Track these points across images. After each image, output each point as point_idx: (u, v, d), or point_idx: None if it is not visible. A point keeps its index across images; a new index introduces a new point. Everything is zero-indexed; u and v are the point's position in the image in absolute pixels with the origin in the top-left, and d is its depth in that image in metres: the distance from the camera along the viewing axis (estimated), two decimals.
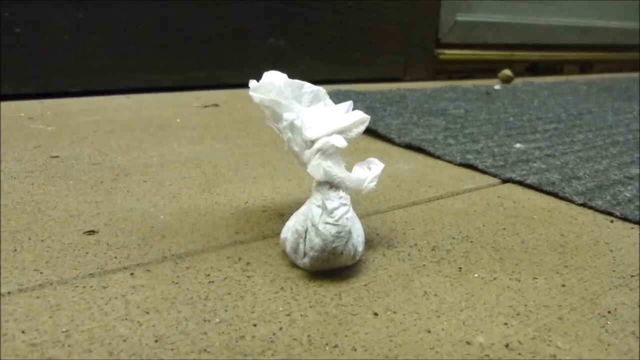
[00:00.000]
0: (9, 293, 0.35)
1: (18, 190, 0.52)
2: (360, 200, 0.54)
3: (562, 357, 0.32)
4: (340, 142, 0.40)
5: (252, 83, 0.43)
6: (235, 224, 0.48)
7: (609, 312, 0.37)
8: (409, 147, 0.77)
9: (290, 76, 0.44)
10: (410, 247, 0.45)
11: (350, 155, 0.44)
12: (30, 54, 0.99)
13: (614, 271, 0.44)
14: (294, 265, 0.40)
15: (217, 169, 0.63)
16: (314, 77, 1.06)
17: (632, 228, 0.53)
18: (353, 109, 0.43)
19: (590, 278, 0.42)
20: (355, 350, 0.31)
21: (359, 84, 1.31)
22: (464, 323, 0.35)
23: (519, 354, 0.32)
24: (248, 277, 0.39)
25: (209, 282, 0.38)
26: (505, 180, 0.65)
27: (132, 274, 0.38)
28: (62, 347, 0.30)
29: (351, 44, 1.39)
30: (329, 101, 0.44)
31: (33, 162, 0.61)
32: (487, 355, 0.32)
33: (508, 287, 0.40)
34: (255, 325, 0.33)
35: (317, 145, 0.40)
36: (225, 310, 0.34)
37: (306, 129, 0.41)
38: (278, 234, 0.44)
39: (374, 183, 0.42)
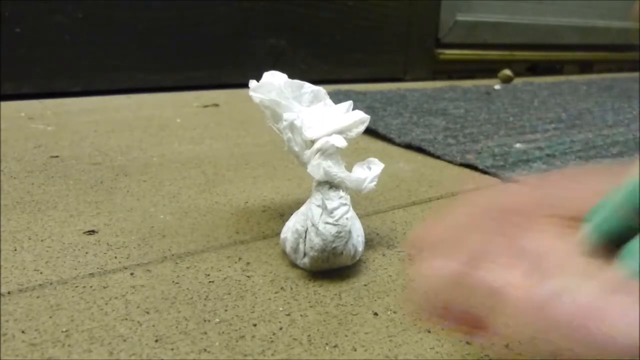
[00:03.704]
0: (9, 293, 0.35)
1: (18, 190, 0.52)
2: (360, 200, 0.54)
3: None
4: (340, 142, 0.40)
5: (252, 83, 0.43)
6: (235, 224, 0.48)
7: None
8: (409, 147, 0.77)
9: (290, 76, 0.44)
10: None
11: (350, 155, 0.44)
12: (30, 54, 1.00)
13: None
14: (294, 265, 0.40)
15: (217, 169, 0.63)
16: (314, 77, 1.06)
17: None
18: (353, 109, 0.43)
19: None
20: (355, 350, 0.31)
21: (359, 84, 1.31)
22: None
23: (519, 353, 0.32)
24: (248, 277, 0.39)
25: (209, 282, 0.38)
26: (505, 180, 0.65)
27: (132, 274, 0.38)
28: (62, 347, 0.30)
29: (351, 44, 1.39)
30: (329, 101, 0.44)
31: (33, 162, 0.61)
32: (487, 355, 0.32)
33: None
34: (255, 325, 0.33)
35: (317, 145, 0.40)
36: (225, 310, 0.34)
37: (306, 129, 0.41)
38: (278, 234, 0.44)
39: (374, 183, 0.42)
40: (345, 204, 0.39)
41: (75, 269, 0.38)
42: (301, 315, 0.34)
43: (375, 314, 0.35)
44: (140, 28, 1.09)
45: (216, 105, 1.00)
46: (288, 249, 0.40)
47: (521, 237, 0.20)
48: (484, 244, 0.20)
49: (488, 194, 0.23)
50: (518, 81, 1.50)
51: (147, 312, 0.34)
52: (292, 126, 0.41)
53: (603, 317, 0.16)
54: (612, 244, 0.21)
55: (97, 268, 0.39)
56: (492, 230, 0.21)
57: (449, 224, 0.22)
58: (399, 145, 0.78)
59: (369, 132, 0.83)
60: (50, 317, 0.33)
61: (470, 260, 0.19)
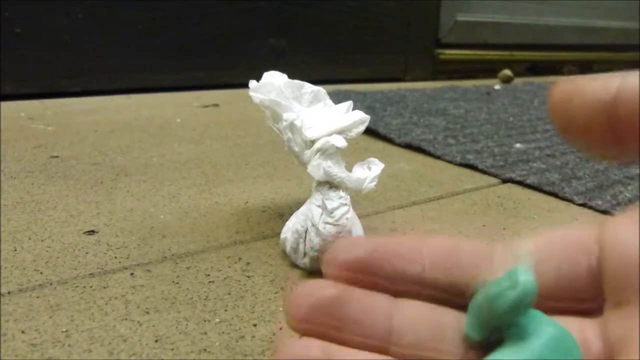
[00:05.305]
0: (9, 293, 0.35)
1: (18, 190, 0.52)
2: (360, 200, 0.54)
3: None
4: (340, 142, 0.40)
5: (252, 83, 0.43)
6: (235, 224, 0.48)
7: None
8: (409, 147, 0.77)
9: (290, 76, 0.44)
10: None
11: (350, 155, 0.44)
12: (30, 54, 1.00)
13: None
14: (294, 265, 0.40)
15: (217, 169, 0.63)
16: (314, 77, 1.06)
17: None
18: (353, 109, 0.43)
19: None
20: None
21: (359, 84, 1.31)
22: None
23: None
24: (248, 277, 0.39)
25: (209, 282, 0.38)
26: (505, 180, 0.65)
27: (132, 274, 0.38)
28: (62, 347, 0.30)
29: (351, 44, 1.39)
30: (329, 101, 0.44)
31: (33, 162, 0.61)
32: None
33: None
34: (255, 325, 0.33)
35: (317, 145, 0.40)
36: (225, 310, 0.34)
37: (306, 129, 0.41)
38: (278, 234, 0.44)
39: (374, 183, 0.42)
40: (345, 204, 0.39)
41: (75, 269, 0.38)
42: None
43: None
44: (140, 28, 1.09)
45: (216, 105, 1.00)
46: (288, 249, 0.40)
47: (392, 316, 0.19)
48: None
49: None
50: (518, 81, 1.50)
51: (147, 312, 0.34)
52: (292, 126, 0.41)
53: None
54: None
55: (97, 268, 0.39)
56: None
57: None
58: (399, 145, 0.78)
59: (369, 132, 0.83)
60: (50, 317, 0.33)
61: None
